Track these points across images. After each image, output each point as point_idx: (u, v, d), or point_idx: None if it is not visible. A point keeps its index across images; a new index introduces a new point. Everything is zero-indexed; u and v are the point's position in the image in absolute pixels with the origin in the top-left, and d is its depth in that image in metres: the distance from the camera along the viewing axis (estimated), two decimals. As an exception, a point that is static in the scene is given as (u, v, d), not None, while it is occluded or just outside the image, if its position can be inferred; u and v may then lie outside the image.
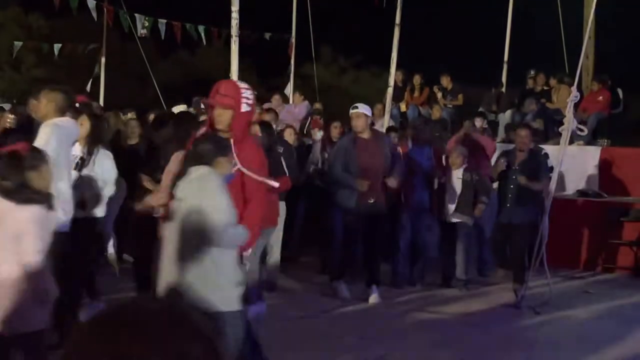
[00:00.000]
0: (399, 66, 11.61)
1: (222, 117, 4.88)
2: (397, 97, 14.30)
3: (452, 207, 8.90)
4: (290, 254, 10.03)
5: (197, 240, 4.14)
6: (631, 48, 22.61)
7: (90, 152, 6.40)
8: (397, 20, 10.83)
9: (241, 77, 9.94)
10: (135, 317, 1.05)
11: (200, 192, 4.17)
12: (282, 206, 7.98)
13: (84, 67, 17.89)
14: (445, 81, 15.55)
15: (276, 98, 15.18)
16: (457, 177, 8.97)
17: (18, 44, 18.14)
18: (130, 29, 15.12)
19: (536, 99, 14.31)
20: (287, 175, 7.42)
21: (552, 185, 8.23)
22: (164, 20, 15.58)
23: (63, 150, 5.59)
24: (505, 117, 14.47)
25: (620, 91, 13.84)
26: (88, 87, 15.75)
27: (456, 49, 26.21)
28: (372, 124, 8.30)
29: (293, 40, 16.95)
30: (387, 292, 8.32)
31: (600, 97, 13.56)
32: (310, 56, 18.18)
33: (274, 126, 8.92)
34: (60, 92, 5.81)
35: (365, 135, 8.13)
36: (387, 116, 11.18)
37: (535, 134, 11.23)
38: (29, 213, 3.95)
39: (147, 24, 15.28)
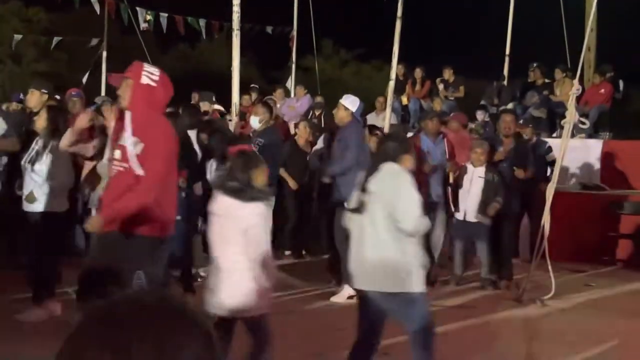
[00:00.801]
0: (400, 59, 11.56)
1: (125, 93, 4.64)
2: (399, 90, 14.28)
3: (470, 205, 8.63)
4: (298, 253, 10.28)
5: (391, 229, 4.63)
6: (633, 41, 22.56)
7: (45, 145, 6.38)
8: (399, 13, 10.80)
9: (242, 71, 9.94)
10: (133, 312, 1.04)
11: (393, 187, 4.69)
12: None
13: (85, 61, 17.85)
14: (447, 74, 15.52)
15: (279, 92, 15.16)
16: (479, 175, 8.61)
17: (18, 36, 18.11)
18: (131, 22, 15.09)
19: (538, 92, 14.27)
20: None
21: (554, 178, 8.23)
22: (166, 14, 15.57)
23: None
24: (506, 110, 14.43)
25: (621, 83, 13.81)
26: (84, 80, 15.73)
27: (458, 42, 26.18)
28: (353, 117, 8.03)
29: (294, 33, 16.92)
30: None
31: (602, 90, 13.53)
32: (311, 49, 18.16)
33: (261, 120, 8.86)
34: None
35: (341, 125, 8.03)
36: (388, 109, 11.17)
37: (537, 126, 11.22)
38: (254, 209, 4.42)
39: (149, 17, 15.25)
